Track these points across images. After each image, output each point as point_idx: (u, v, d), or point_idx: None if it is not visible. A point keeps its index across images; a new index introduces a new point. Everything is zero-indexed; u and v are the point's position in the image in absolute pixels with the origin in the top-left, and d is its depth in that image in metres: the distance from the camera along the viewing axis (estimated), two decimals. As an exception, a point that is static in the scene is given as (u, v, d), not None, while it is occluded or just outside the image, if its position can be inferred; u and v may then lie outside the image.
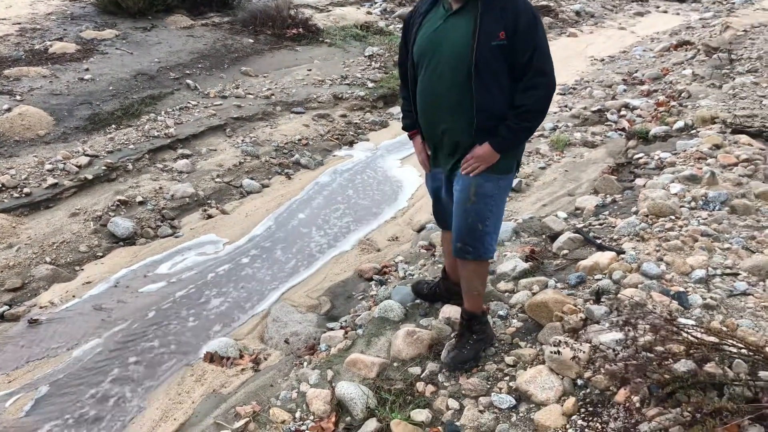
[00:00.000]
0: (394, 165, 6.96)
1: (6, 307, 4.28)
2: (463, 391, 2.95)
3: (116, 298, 4.43)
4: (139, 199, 5.66)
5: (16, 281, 4.50)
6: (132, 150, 6.39)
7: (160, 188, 5.89)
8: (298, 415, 3.09)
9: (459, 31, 2.68)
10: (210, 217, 5.68)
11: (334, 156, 7.20)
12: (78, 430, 3.31)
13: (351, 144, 7.56)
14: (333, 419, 2.98)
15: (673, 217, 3.92)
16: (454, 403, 2.90)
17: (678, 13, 15.18)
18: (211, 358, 3.81)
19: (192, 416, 3.35)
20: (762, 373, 2.38)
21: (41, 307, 4.32)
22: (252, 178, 6.38)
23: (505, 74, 2.68)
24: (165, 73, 8.53)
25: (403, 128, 3.30)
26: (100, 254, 5.00)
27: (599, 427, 2.42)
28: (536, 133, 7.32)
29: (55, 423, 3.35)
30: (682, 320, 2.77)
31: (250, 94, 8.32)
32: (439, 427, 2.79)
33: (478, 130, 2.75)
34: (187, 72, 8.70)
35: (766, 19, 10.82)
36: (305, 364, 3.62)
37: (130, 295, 4.48)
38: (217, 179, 6.25)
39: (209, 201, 5.92)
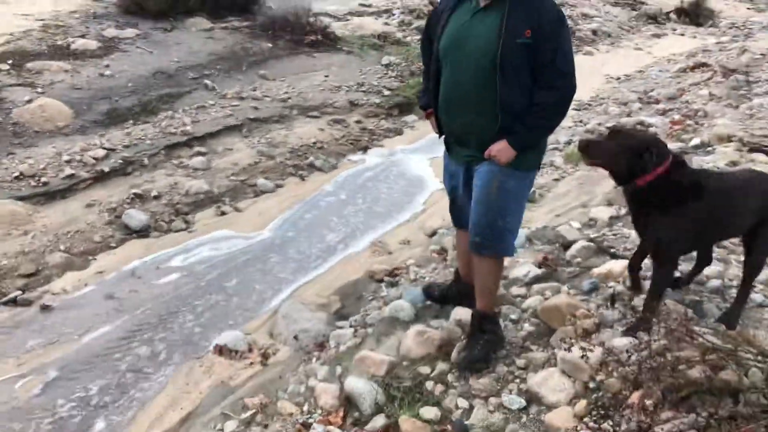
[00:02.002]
0: (408, 170, 6.98)
1: (19, 292, 4.31)
2: (473, 392, 2.94)
3: (128, 288, 4.46)
4: (154, 193, 5.70)
5: (30, 267, 4.54)
6: (148, 145, 6.46)
7: (176, 183, 5.93)
8: (306, 408, 3.08)
9: (486, 27, 2.71)
10: (224, 213, 5.71)
11: (348, 160, 7.23)
12: (86, 414, 3.32)
13: (365, 149, 7.59)
14: (341, 414, 2.98)
15: (688, 229, 3.91)
16: (463, 403, 2.89)
17: (695, 37, 15.17)
18: (221, 350, 3.81)
19: (199, 406, 3.36)
20: (778, 382, 2.36)
21: (54, 294, 4.35)
22: (266, 178, 6.41)
23: (527, 73, 2.71)
24: (183, 73, 8.61)
25: (420, 107, 3.37)
26: (114, 245, 5.03)
27: (610, 429, 2.40)
28: (551, 146, 7.32)
29: (63, 407, 3.36)
30: (697, 328, 2.75)
31: (267, 96, 8.38)
32: (448, 426, 2.77)
33: (501, 128, 2.77)
34: (206, 73, 8.77)
35: (784, 44, 10.81)
36: (314, 360, 3.62)
37: (142, 286, 4.50)
38: (232, 177, 6.29)
39: (223, 198, 5.96)
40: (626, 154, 2.69)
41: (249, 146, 6.97)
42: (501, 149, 2.79)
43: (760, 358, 2.42)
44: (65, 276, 4.58)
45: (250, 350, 3.86)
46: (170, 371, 3.68)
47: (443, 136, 3.19)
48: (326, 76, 9.51)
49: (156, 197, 5.68)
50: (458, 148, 3.06)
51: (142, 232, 5.22)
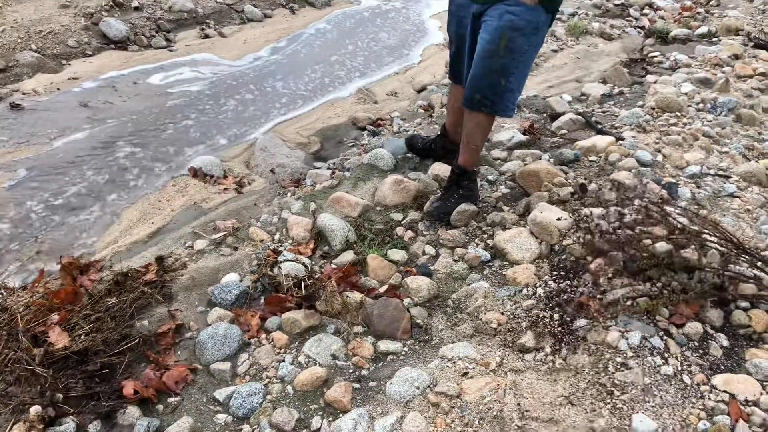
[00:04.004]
0: (407, 18, 6.65)
1: (-13, 87, 4.14)
2: (441, 241, 3.01)
3: (104, 99, 4.31)
4: (135, 4, 5.36)
5: (0, 62, 4.32)
6: (131, -50, 5.96)
7: (158, -3, 5.57)
8: (277, 237, 3.13)
9: None
10: (207, 37, 5.45)
11: (343, -1, 6.85)
12: (55, 215, 3.32)
13: (362, -10, 7.17)
14: (311, 246, 3.04)
15: (678, 114, 3.88)
16: (430, 250, 2.96)
17: None
18: (195, 173, 3.79)
19: (170, 222, 3.38)
20: (732, 266, 2.46)
21: (24, 93, 4.19)
22: (255, 5, 6.07)
23: None
24: None
25: None
26: (90, 53, 4.80)
27: (568, 289, 2.50)
28: (554, 16, 7.01)
29: (33, 205, 3.35)
30: (668, 208, 2.80)
31: None
32: (413, 268, 2.86)
33: None
34: None
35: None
36: (289, 194, 3.63)
37: (118, 99, 4.35)
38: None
39: (208, 21, 5.65)
40: None
41: (239, -32, 6.50)
42: None
43: (721, 242, 2.50)
44: (37, 77, 4.39)
45: (225, 177, 3.84)
46: (143, 186, 3.67)
47: None
48: None
49: (137, 9, 5.34)
50: None
51: (121, 44, 4.97)
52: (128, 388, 2.22)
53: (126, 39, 5.00)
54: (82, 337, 2.36)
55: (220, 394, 2.23)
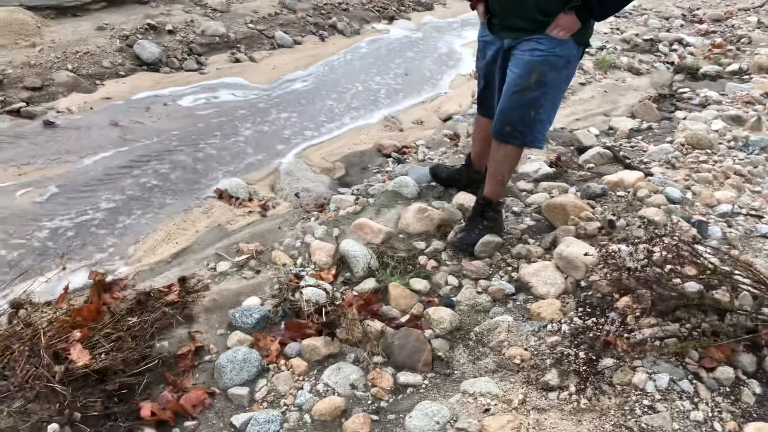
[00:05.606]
0: (434, 49, 6.71)
1: (23, 104, 4.24)
2: (464, 272, 2.97)
3: (135, 119, 4.38)
4: (168, 27, 5.48)
5: (36, 81, 4.43)
6: (168, -24, 6.13)
7: (192, 21, 5.70)
8: (299, 261, 3.12)
9: None
10: (237, 61, 5.54)
11: (372, 28, 6.94)
12: (82, 231, 3.36)
13: (391, 19, 7.26)
14: (333, 271, 3.02)
15: (709, 151, 3.83)
16: (453, 280, 2.93)
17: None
18: (221, 194, 3.82)
19: (194, 243, 3.39)
20: (766, 310, 2.39)
21: (58, 112, 4.29)
22: (285, 32, 6.17)
23: None
24: None
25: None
26: (123, 73, 4.90)
27: (594, 326, 2.44)
28: (582, 49, 7.03)
29: (62, 221, 3.39)
30: (699, 247, 2.74)
31: (296, -55, 7.88)
32: (435, 298, 2.83)
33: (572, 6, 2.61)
34: None
35: None
36: (312, 219, 3.64)
37: (149, 119, 4.42)
38: (250, 25, 6.04)
39: (239, 45, 5.75)
40: None
41: (272, -5, 6.64)
42: (566, 23, 2.63)
43: (754, 284, 2.43)
44: (71, 96, 4.49)
45: (251, 199, 3.86)
46: (168, 207, 3.70)
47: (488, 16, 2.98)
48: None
49: (170, 32, 5.46)
50: (502, 22, 2.87)
51: (153, 66, 5.07)
52: (146, 409, 2.20)
53: (158, 61, 5.10)
54: (102, 355, 2.35)
55: (237, 419, 2.20)
